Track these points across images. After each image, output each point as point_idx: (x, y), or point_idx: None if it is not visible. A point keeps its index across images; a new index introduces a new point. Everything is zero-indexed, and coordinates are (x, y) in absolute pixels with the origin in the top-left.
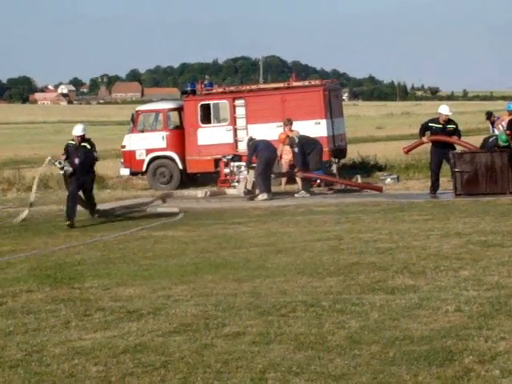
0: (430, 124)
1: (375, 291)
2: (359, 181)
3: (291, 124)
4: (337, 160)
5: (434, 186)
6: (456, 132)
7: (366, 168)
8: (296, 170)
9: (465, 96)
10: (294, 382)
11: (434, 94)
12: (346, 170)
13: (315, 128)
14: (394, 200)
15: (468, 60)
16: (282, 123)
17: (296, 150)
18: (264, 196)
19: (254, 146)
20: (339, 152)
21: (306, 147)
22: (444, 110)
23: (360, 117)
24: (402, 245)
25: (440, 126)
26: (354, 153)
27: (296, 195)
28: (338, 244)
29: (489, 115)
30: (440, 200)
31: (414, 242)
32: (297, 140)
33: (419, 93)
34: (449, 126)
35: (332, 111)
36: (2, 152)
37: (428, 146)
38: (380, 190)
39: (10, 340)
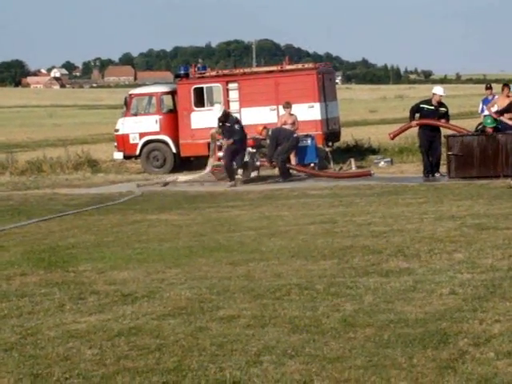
0: (421, 105)
1: (369, 274)
2: (353, 164)
3: (290, 107)
4: (330, 143)
5: (427, 169)
6: (446, 115)
7: (360, 151)
8: (264, 160)
9: (458, 79)
10: (288, 365)
11: (427, 78)
12: (340, 153)
13: (309, 111)
14: (387, 183)
15: (461, 43)
16: (275, 106)
17: (267, 141)
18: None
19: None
20: (333, 135)
21: (279, 139)
22: (438, 90)
23: (353, 100)
24: (396, 228)
25: (432, 107)
26: (347, 136)
27: (276, 179)
28: (332, 227)
29: (489, 87)
30: (434, 183)
31: (408, 225)
32: (270, 132)
33: (412, 76)
34: (441, 108)
35: (325, 94)
36: None
37: (417, 129)
38: (369, 174)
39: (5, 323)
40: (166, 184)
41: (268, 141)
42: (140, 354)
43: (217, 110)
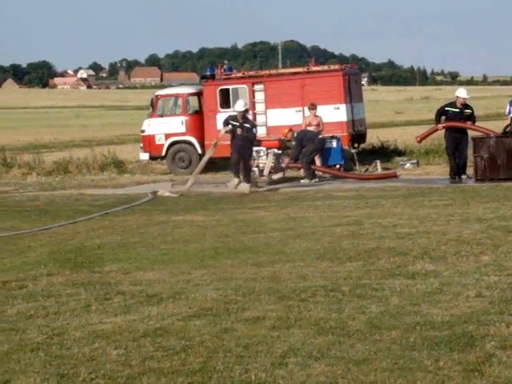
0: (446, 108)
1: (395, 276)
2: (378, 166)
3: (316, 109)
4: (356, 145)
5: (454, 171)
6: (471, 117)
7: (386, 153)
8: (287, 161)
9: (485, 81)
10: (314, 367)
11: (453, 79)
12: (366, 155)
13: (334, 113)
14: (413, 185)
15: (488, 44)
16: (301, 108)
17: (293, 143)
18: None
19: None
20: (359, 137)
21: (304, 141)
22: (461, 93)
23: (379, 102)
24: (422, 230)
25: (457, 110)
26: (373, 138)
27: (301, 181)
28: (358, 229)
29: None
30: (460, 185)
31: (434, 227)
32: (295, 134)
33: (439, 77)
34: (466, 110)
35: (351, 96)
36: (22, 136)
37: (443, 131)
38: (394, 176)
39: (31, 323)
40: (155, 193)
41: (293, 143)
42: (165, 354)
43: (240, 106)
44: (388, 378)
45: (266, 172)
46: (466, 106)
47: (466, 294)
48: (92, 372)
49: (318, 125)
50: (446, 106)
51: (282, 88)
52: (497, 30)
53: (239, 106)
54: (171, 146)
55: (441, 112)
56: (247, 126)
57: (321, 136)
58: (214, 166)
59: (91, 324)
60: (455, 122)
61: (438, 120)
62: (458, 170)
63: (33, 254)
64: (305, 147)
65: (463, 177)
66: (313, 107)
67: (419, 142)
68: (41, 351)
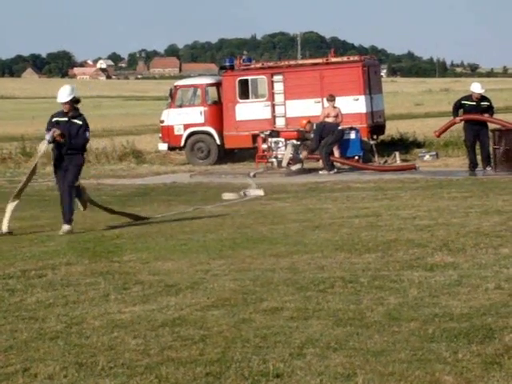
0: (463, 102)
1: (414, 268)
2: (397, 158)
3: (334, 100)
4: (375, 136)
5: (473, 163)
6: (489, 109)
7: (405, 145)
8: (306, 152)
9: (505, 72)
10: (332, 358)
11: (473, 71)
12: (385, 146)
13: (354, 104)
14: (432, 177)
15: (508, 36)
16: (320, 99)
17: (312, 135)
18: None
19: None
20: (378, 128)
21: (324, 133)
22: (476, 88)
23: (398, 93)
24: (441, 222)
25: (474, 103)
26: (392, 129)
27: (320, 172)
28: (376, 220)
29: None
30: (479, 177)
31: (453, 219)
32: (314, 126)
33: (458, 69)
34: (482, 103)
35: (371, 87)
36: (42, 126)
37: (463, 124)
38: (413, 167)
39: (50, 312)
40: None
41: (312, 134)
42: (184, 344)
43: (63, 95)
44: (406, 370)
45: (284, 163)
46: (482, 98)
47: (484, 286)
48: (111, 361)
49: (336, 116)
50: (463, 99)
51: (301, 79)
52: None
53: (62, 95)
54: (190, 137)
55: (457, 105)
56: (78, 123)
57: (340, 127)
58: (232, 156)
59: (110, 313)
60: (473, 114)
61: (455, 113)
62: (477, 163)
63: (52, 243)
64: (323, 139)
65: (488, 168)
66: (331, 98)
67: (438, 136)
68: (60, 340)
